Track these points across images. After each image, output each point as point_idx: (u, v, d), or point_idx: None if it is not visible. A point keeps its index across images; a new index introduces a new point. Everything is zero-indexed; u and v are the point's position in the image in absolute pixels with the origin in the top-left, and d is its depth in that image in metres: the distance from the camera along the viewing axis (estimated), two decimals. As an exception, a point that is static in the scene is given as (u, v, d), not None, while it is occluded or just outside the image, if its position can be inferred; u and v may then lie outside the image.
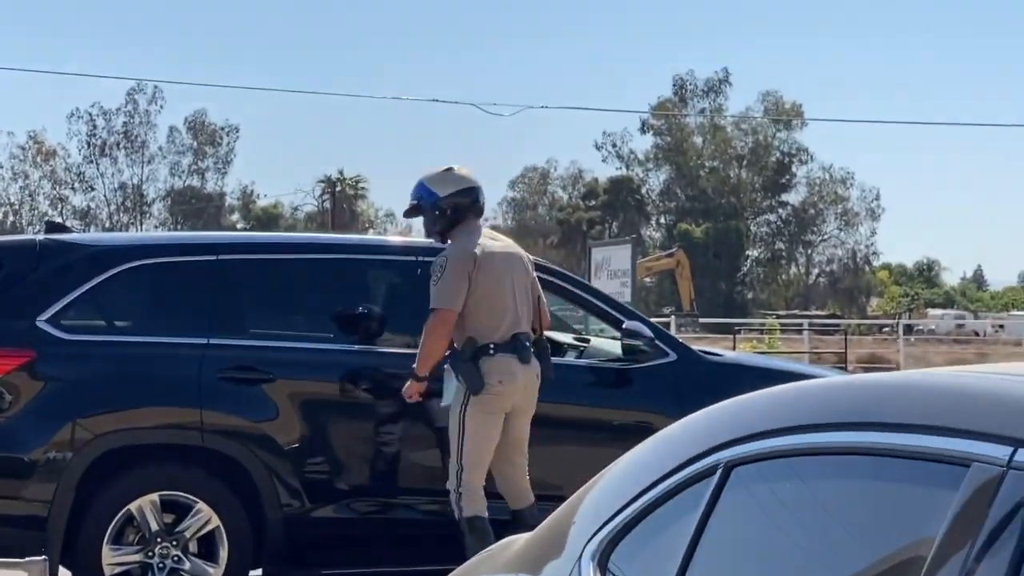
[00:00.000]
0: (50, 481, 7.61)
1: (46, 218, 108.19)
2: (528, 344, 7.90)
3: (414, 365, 7.82)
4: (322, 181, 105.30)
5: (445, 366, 7.85)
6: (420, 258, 8.62)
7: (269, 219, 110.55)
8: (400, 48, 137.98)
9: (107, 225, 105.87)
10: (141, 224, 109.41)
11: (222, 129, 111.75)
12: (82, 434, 7.70)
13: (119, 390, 7.89)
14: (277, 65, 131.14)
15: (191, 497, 7.79)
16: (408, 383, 7.84)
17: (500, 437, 7.86)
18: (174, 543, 7.74)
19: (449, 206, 7.94)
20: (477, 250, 7.82)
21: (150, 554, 7.72)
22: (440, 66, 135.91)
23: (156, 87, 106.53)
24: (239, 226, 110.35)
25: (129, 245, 8.81)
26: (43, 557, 6.98)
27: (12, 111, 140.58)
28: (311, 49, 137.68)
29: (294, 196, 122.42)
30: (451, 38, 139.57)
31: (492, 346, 7.76)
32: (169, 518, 7.78)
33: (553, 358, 8.56)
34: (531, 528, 7.51)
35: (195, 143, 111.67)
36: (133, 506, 7.69)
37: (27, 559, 6.98)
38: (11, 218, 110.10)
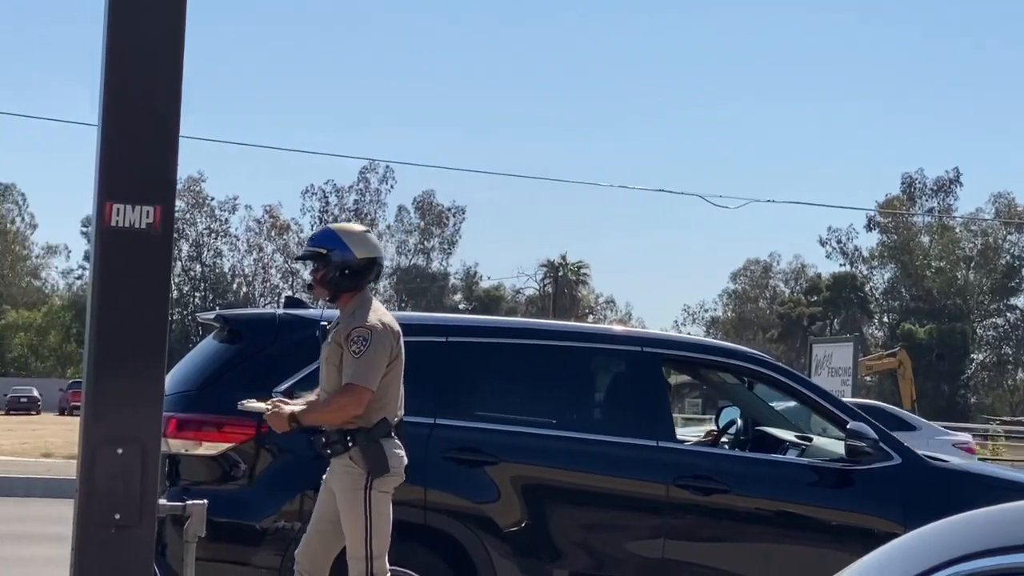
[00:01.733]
0: (279, 550, 7.82)
1: (280, 291, 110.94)
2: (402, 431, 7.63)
3: (302, 406, 7.52)
4: (544, 265, 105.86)
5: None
6: (644, 348, 8.70)
7: (491, 301, 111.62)
8: (629, 136, 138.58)
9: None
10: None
11: (449, 210, 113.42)
12: (310, 506, 7.90)
13: None
14: (504, 149, 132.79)
15: (412, 574, 7.92)
16: (280, 415, 7.43)
17: (333, 517, 7.46)
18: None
19: (358, 269, 7.57)
20: (397, 327, 7.55)
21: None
22: (667, 155, 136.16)
23: (388, 166, 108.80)
24: (461, 306, 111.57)
25: None
26: None
27: (251, 186, 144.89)
28: (538, 134, 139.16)
29: (516, 279, 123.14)
30: (679, 127, 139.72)
31: (393, 429, 7.48)
32: (390, 592, 7.91)
33: (774, 455, 8.58)
34: None
35: (422, 223, 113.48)
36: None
37: None
38: (244, 289, 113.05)
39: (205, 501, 5.44)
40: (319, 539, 7.53)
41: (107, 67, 4.69)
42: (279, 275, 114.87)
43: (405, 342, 8.50)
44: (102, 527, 4.62)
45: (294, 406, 7.49)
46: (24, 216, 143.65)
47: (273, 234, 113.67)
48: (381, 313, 7.55)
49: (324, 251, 7.61)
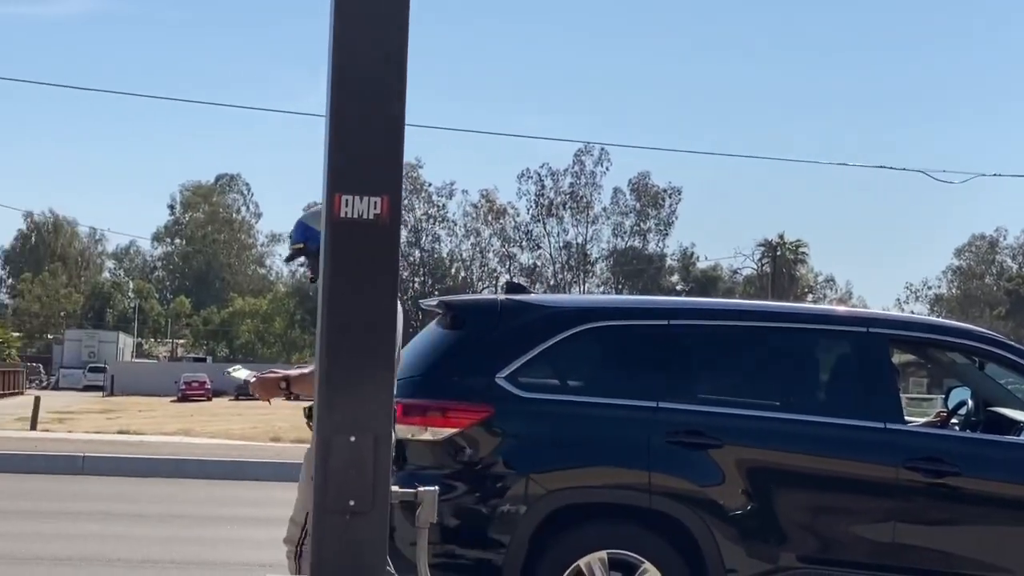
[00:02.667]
0: (505, 533, 7.89)
1: (498, 275, 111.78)
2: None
3: (291, 372, 7.65)
4: (762, 245, 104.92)
5: None
6: (871, 329, 8.56)
7: (708, 281, 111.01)
8: (850, 114, 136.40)
9: (552, 283, 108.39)
10: (584, 283, 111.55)
11: (664, 191, 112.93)
12: (535, 489, 7.95)
13: (572, 449, 8.11)
14: (720, 129, 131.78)
15: (638, 557, 7.93)
16: (267, 380, 7.59)
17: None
18: (620, 600, 7.90)
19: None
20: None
21: (602, 610, 7.89)
22: (888, 132, 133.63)
23: (603, 149, 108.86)
24: (678, 287, 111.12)
25: (585, 307, 9.06)
26: None
27: (467, 171, 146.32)
28: (754, 114, 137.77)
29: (733, 259, 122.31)
30: (901, 104, 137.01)
31: None
32: (615, 576, 7.94)
33: (1009, 437, 8.38)
34: None
35: (638, 204, 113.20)
36: (582, 562, 7.89)
37: None
38: (462, 273, 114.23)
39: (436, 488, 5.52)
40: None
41: (334, 60, 4.78)
42: (496, 259, 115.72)
43: (626, 326, 8.52)
44: (337, 513, 4.72)
45: (289, 372, 7.56)
46: (249, 205, 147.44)
47: (490, 218, 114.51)
48: None
49: (301, 245, 7.62)
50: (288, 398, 7.96)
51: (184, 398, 78.22)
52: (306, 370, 7.65)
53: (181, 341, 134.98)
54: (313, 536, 4.62)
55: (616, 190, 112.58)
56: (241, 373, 7.91)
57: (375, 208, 4.75)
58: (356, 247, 4.74)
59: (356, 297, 4.76)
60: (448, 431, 8.06)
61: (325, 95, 4.77)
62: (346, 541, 4.63)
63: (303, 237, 7.64)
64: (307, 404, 7.61)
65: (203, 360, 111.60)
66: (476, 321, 8.54)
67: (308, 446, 7.43)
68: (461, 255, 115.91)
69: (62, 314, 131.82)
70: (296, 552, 7.51)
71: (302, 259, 7.73)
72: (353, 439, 4.73)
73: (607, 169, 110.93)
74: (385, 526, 4.69)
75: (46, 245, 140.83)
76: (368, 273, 4.76)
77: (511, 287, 9.08)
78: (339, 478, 4.64)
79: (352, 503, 4.66)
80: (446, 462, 8.06)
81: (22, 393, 78.33)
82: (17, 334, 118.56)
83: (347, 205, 4.72)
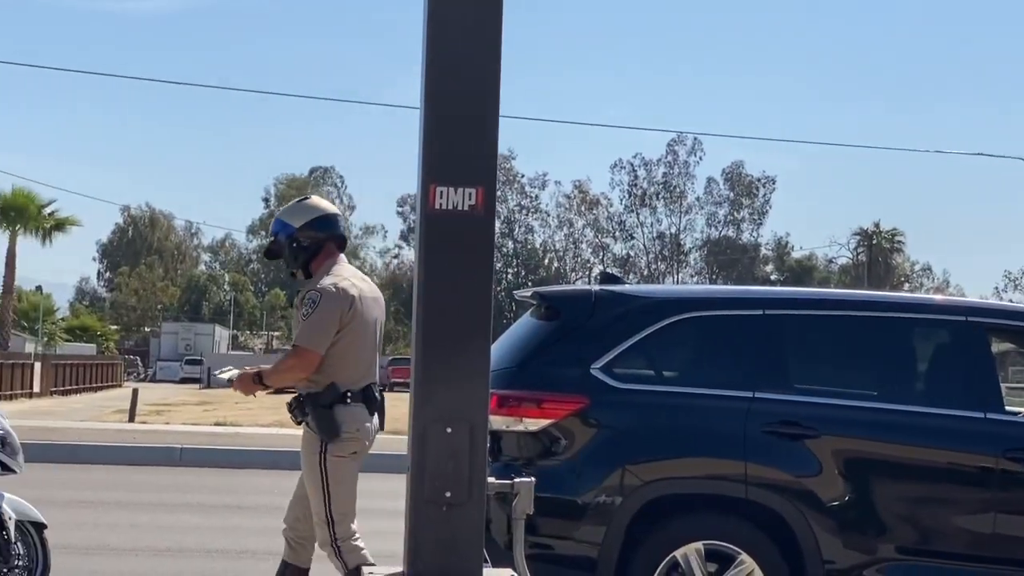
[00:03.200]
0: (600, 524, 7.88)
1: (591, 266, 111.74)
2: (376, 395, 7.57)
3: (265, 367, 7.70)
4: (858, 233, 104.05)
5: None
6: (969, 318, 8.45)
7: (803, 271, 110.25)
8: (947, 101, 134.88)
9: (645, 273, 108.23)
10: (678, 273, 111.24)
11: (758, 180, 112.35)
12: (631, 480, 7.93)
13: (667, 439, 8.08)
14: (816, 117, 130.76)
15: (735, 548, 7.89)
16: (246, 376, 7.67)
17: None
18: (717, 592, 7.87)
19: (306, 238, 7.59)
20: (355, 291, 7.47)
21: (696, 601, 7.86)
22: (987, 120, 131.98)
23: (696, 139, 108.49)
24: (773, 277, 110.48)
25: (680, 298, 9.02)
26: None
27: (560, 161, 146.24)
28: (849, 101, 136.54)
29: (828, 248, 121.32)
30: (1000, 90, 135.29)
31: (350, 394, 7.39)
32: (712, 567, 7.90)
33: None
34: None
35: (732, 194, 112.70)
36: (679, 553, 7.86)
37: None
38: (555, 264, 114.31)
39: (533, 479, 5.51)
40: (299, 503, 7.69)
41: (428, 52, 4.78)
42: (589, 250, 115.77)
43: (721, 316, 8.46)
44: (433, 504, 4.73)
45: (263, 366, 7.67)
46: (343, 198, 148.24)
47: (583, 209, 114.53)
48: (342, 277, 7.51)
49: (273, 238, 7.73)
50: (268, 392, 7.97)
51: (278, 390, 78.59)
52: (279, 364, 7.67)
53: (276, 333, 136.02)
54: (409, 527, 4.63)
55: (710, 180, 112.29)
56: (227, 374, 7.95)
57: (470, 199, 4.76)
58: (451, 238, 4.75)
59: (451, 288, 4.76)
60: (543, 422, 8.05)
61: (420, 87, 4.78)
62: (442, 533, 4.63)
63: (276, 230, 7.73)
64: (289, 398, 7.66)
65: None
66: (571, 312, 8.52)
67: (306, 436, 7.47)
68: (554, 246, 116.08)
69: (159, 307, 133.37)
70: (336, 550, 7.55)
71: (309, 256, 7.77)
72: (449, 430, 4.74)
73: (700, 159, 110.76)
74: (482, 518, 4.69)
75: (143, 239, 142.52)
76: (463, 264, 4.76)
77: (605, 277, 9.06)
78: (435, 469, 4.64)
79: (448, 494, 4.67)
80: (541, 453, 8.06)
81: (120, 385, 79.31)
82: (115, 327, 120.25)
83: (442, 197, 4.72)
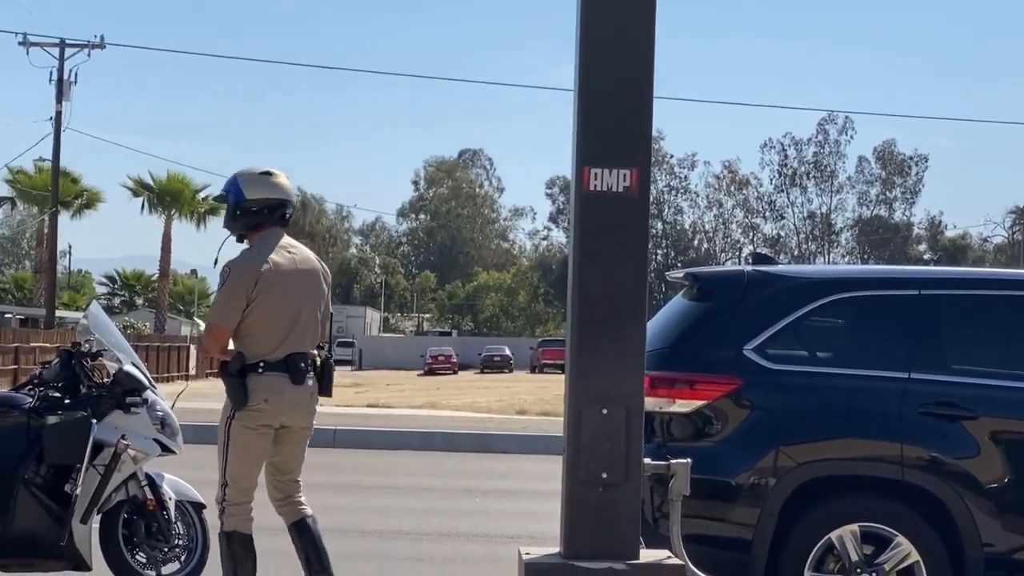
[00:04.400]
0: (754, 506, 7.83)
1: (741, 246, 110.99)
2: (304, 365, 7.57)
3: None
4: (1013, 212, 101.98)
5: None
6: None
7: (957, 250, 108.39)
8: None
9: (795, 254, 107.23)
10: (829, 253, 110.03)
11: (911, 159, 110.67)
12: (785, 462, 7.88)
13: (822, 421, 8.01)
14: (969, 94, 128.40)
15: (891, 530, 7.80)
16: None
17: (269, 460, 7.73)
18: (873, 575, 7.79)
19: (251, 209, 7.70)
20: (265, 267, 7.53)
21: (850, 584, 7.79)
22: None
23: (847, 117, 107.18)
24: (926, 256, 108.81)
25: (833, 278, 8.93)
26: None
27: (709, 141, 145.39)
28: (1001, 78, 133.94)
29: (983, 227, 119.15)
30: None
31: (262, 364, 7.48)
32: (868, 549, 7.82)
33: None
34: (311, 535, 7.24)
35: (883, 173, 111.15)
36: (834, 535, 7.79)
37: None
38: (705, 245, 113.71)
39: (689, 460, 5.49)
40: (270, 469, 7.89)
41: (583, 35, 4.79)
42: (739, 230, 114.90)
43: (876, 296, 8.36)
44: (590, 486, 4.75)
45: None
46: (491, 180, 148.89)
47: (732, 189, 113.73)
48: (256, 252, 7.62)
49: (224, 194, 7.83)
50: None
51: (430, 371, 79.43)
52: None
53: (427, 315, 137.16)
54: (565, 509, 4.63)
55: (861, 159, 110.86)
56: None
57: (624, 181, 4.76)
58: (606, 220, 4.75)
59: (606, 270, 4.77)
60: (696, 403, 8.02)
61: (574, 70, 4.78)
62: (599, 514, 4.64)
63: (228, 189, 7.86)
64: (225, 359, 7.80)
65: (448, 334, 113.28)
66: (723, 293, 8.48)
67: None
68: (703, 226, 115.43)
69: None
70: (220, 510, 7.76)
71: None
72: (605, 411, 4.75)
73: (851, 137, 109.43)
74: (638, 498, 4.69)
75: (294, 222, 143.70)
76: (618, 246, 4.77)
77: (758, 258, 9.00)
78: (591, 451, 4.65)
79: (605, 475, 4.68)
80: (693, 435, 8.03)
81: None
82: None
83: (596, 178, 4.73)
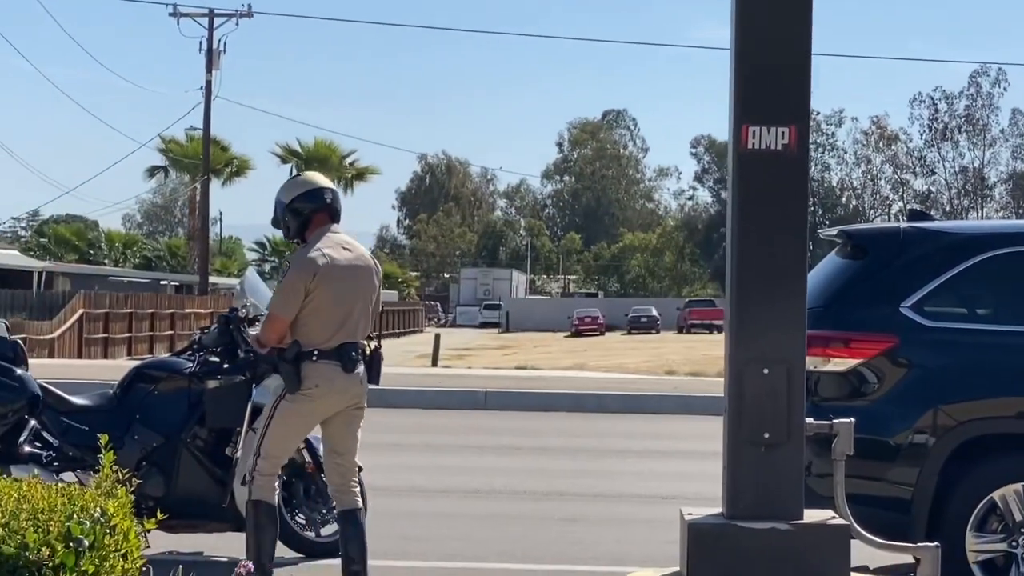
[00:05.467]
0: (913, 465, 7.73)
1: (890, 203, 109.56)
2: (355, 355, 7.95)
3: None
4: None
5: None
6: None
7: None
8: None
9: (947, 209, 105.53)
10: (982, 209, 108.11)
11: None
12: (944, 420, 7.77)
13: (982, 378, 7.88)
14: None
15: None
16: (256, 336, 8.47)
17: (324, 441, 8.17)
18: (1039, 535, 7.66)
19: (294, 208, 8.14)
20: (322, 260, 7.97)
21: (1014, 544, 7.67)
22: None
23: (1000, 69, 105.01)
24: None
25: (992, 233, 8.77)
26: (935, 544, 7.12)
27: (856, 97, 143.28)
28: None
29: None
30: None
31: (316, 352, 7.89)
32: (1031, 509, 7.69)
33: None
34: (357, 530, 7.53)
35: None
36: (997, 494, 7.67)
37: (919, 545, 7.16)
38: (853, 202, 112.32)
39: (852, 420, 5.43)
40: (327, 452, 8.19)
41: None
42: (888, 187, 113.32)
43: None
44: (752, 445, 4.71)
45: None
46: (636, 140, 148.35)
47: (881, 145, 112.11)
48: (316, 247, 8.04)
49: (275, 216, 8.35)
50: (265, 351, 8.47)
51: (577, 333, 79.55)
52: (261, 327, 8.31)
53: (572, 277, 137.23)
54: (728, 468, 4.61)
55: (1015, 111, 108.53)
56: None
57: (783, 138, 4.70)
58: (764, 178, 4.70)
59: (766, 229, 4.72)
60: (851, 362, 7.93)
61: (730, 27, 4.72)
62: (762, 473, 4.61)
63: (274, 206, 8.32)
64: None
65: (594, 295, 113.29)
66: (878, 250, 8.37)
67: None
68: (851, 183, 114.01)
69: (457, 253, 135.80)
70: (250, 478, 7.96)
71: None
72: (766, 371, 4.72)
73: (1005, 90, 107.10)
74: (801, 458, 4.65)
75: (440, 186, 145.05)
76: (777, 204, 4.72)
77: (913, 214, 8.87)
78: (753, 410, 4.62)
79: (767, 435, 4.65)
80: (849, 394, 7.94)
81: (421, 331, 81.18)
82: (415, 274, 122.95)
83: (754, 136, 4.68)
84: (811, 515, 4.55)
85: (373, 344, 8.21)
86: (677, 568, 4.72)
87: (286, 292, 8.02)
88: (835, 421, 5.16)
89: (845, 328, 8.02)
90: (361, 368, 8.05)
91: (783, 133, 4.70)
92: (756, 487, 4.65)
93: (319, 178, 8.47)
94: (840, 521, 4.52)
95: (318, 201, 8.19)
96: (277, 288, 8.27)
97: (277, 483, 8.16)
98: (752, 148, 4.72)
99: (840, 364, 7.93)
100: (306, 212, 8.16)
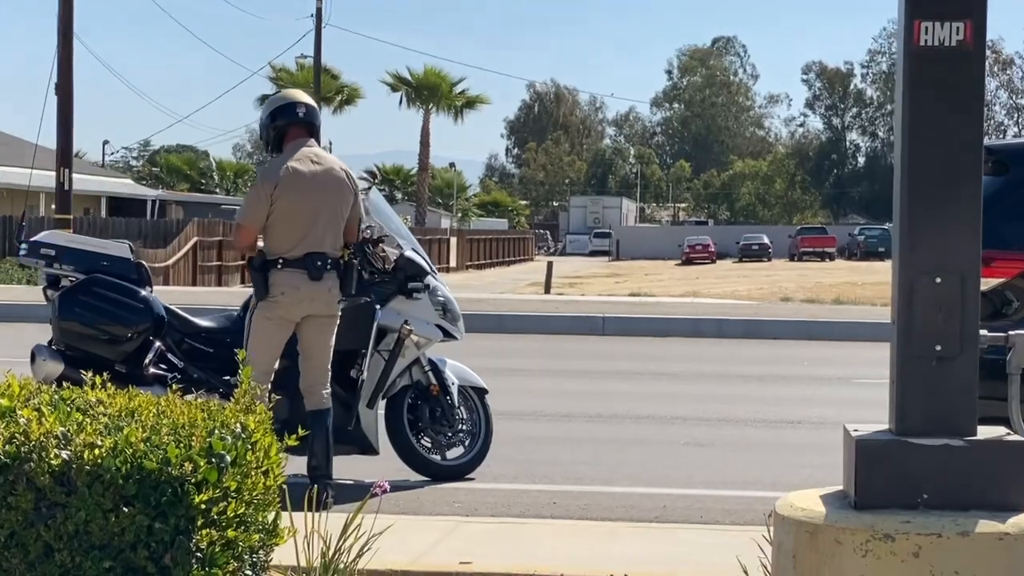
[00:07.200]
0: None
1: (1004, 128, 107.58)
2: (322, 263, 8.23)
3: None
4: None
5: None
6: None
7: None
8: None
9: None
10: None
11: None
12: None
13: None
14: None
15: None
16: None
17: (299, 346, 8.40)
18: None
19: (269, 123, 8.52)
20: (283, 172, 8.27)
21: None
22: None
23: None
24: None
25: None
26: None
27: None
28: None
29: None
30: None
31: (281, 260, 8.22)
32: None
33: None
34: (321, 429, 8.03)
35: None
36: None
37: None
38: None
39: (1030, 331, 5.20)
40: (300, 355, 8.45)
41: None
42: (1003, 112, 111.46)
43: None
44: (923, 359, 4.49)
45: None
46: (745, 67, 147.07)
47: (996, 69, 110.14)
48: (287, 158, 8.36)
49: (259, 129, 8.81)
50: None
51: (688, 261, 79.25)
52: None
53: (682, 205, 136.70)
54: (897, 383, 4.42)
55: None
56: None
57: (957, 34, 4.46)
58: (937, 77, 4.47)
59: (938, 130, 4.48)
60: (993, 282, 7.66)
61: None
62: (933, 388, 4.41)
63: (259, 121, 8.78)
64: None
65: (704, 223, 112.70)
66: (1020, 165, 8.08)
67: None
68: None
69: (566, 182, 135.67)
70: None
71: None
72: (939, 280, 4.50)
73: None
74: (975, 372, 4.44)
75: (548, 115, 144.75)
76: (951, 104, 4.48)
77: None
78: (924, 323, 4.41)
79: (939, 348, 4.43)
80: (991, 314, 7.67)
81: (531, 259, 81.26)
82: (524, 202, 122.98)
83: (927, 32, 4.44)
84: (985, 431, 4.35)
85: (347, 254, 8.49)
86: (841, 487, 4.55)
87: (250, 201, 8.47)
88: (1012, 333, 4.94)
89: (988, 246, 7.72)
90: (331, 278, 8.32)
91: (958, 28, 4.44)
92: (926, 402, 4.43)
93: (296, 94, 8.86)
94: (1016, 438, 4.32)
95: (291, 115, 8.51)
96: (244, 201, 8.79)
97: (266, 393, 8.16)
98: (924, 45, 4.48)
99: (983, 284, 7.65)
100: (281, 126, 8.51)
